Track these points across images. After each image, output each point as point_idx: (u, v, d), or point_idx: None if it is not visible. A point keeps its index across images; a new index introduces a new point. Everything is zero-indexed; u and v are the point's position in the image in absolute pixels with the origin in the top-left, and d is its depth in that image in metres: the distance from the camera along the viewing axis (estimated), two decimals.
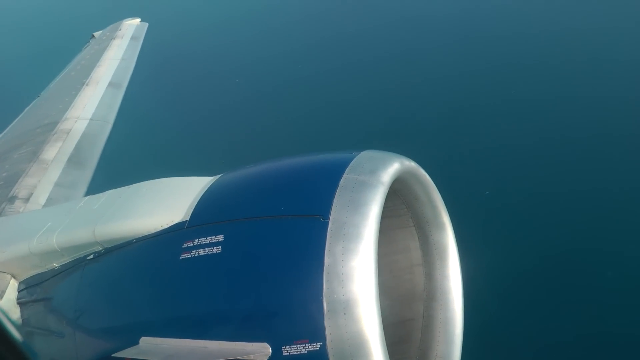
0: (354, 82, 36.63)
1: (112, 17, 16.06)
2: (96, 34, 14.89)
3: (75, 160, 8.94)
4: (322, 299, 3.00)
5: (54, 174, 8.45)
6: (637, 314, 17.88)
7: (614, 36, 36.16)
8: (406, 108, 32.57)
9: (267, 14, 53.16)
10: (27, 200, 7.68)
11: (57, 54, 25.63)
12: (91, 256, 4.22)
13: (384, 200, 3.25)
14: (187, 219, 3.70)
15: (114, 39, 13.63)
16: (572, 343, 17.87)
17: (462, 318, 4.02)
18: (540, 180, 24.90)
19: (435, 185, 3.89)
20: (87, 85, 11.25)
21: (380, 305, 3.04)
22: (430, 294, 4.07)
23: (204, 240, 3.43)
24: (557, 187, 24.32)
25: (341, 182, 3.31)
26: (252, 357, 3.09)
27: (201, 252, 3.40)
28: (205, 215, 3.68)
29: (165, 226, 3.77)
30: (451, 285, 4.05)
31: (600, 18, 38.95)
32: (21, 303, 4.77)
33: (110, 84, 11.48)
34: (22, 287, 4.80)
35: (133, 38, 13.88)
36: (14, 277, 4.84)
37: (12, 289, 4.81)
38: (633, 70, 31.80)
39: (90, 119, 10.14)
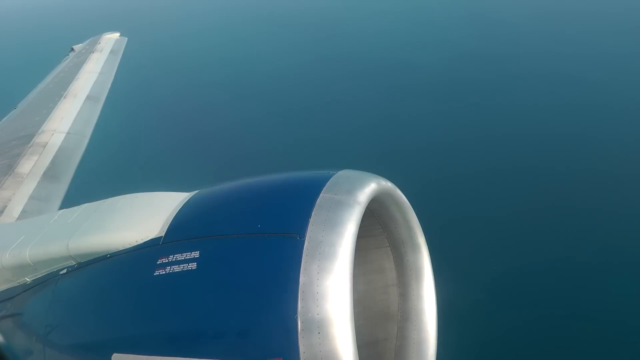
0: (332, 102, 36.79)
1: (92, 31, 16.04)
2: (76, 46, 14.87)
3: (50, 174, 8.87)
4: (297, 317, 2.99)
5: (29, 187, 8.37)
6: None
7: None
8: (385, 128, 32.76)
9: (247, 29, 53.36)
10: (0, 212, 7.60)
11: (35, 65, 25.49)
12: (64, 271, 4.16)
13: (360, 220, 3.25)
14: (163, 234, 3.66)
15: (93, 52, 13.60)
16: None
17: (435, 339, 4.02)
18: (517, 200, 25.11)
19: (412, 206, 3.90)
20: (64, 98, 11.18)
21: (355, 324, 3.04)
22: (404, 314, 4.06)
23: (179, 257, 3.40)
24: (534, 208, 24.55)
25: (318, 201, 3.31)
26: None
27: (176, 268, 3.37)
28: (181, 231, 3.65)
29: (140, 241, 3.73)
30: (425, 306, 4.05)
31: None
32: None
33: (88, 98, 11.42)
34: None
35: (112, 52, 13.87)
36: None
37: None
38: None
39: (67, 133, 10.07)
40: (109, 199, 4.45)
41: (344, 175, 3.54)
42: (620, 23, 42.22)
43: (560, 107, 32.39)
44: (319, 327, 2.97)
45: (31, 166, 8.88)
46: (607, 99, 32.49)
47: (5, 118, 11.70)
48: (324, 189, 3.39)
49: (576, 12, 46.42)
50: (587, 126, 30.29)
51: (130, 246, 3.78)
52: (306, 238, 3.16)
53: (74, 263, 4.12)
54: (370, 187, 3.45)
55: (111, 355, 3.43)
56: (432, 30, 47.40)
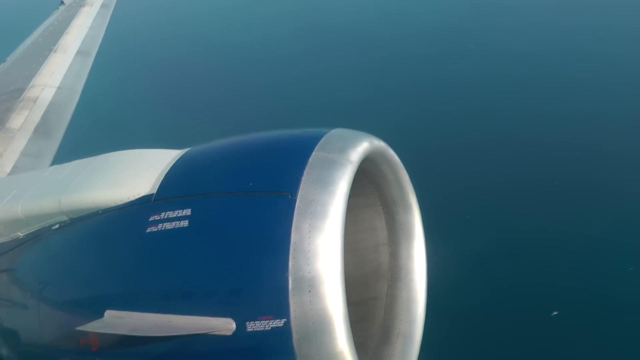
0: (325, 61, 36.52)
1: None
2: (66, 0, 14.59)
3: (41, 129, 8.80)
4: (288, 275, 3.00)
5: (20, 143, 8.32)
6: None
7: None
8: (377, 87, 32.61)
9: None
10: None
11: (25, 18, 25.10)
12: (56, 226, 4.16)
13: (352, 179, 3.25)
14: (155, 191, 3.66)
15: (83, 6, 13.36)
16: (530, 329, 18.22)
17: (425, 298, 4.05)
18: (506, 165, 25.20)
19: (404, 165, 3.89)
20: (54, 52, 11.02)
21: (345, 283, 3.06)
22: (394, 273, 4.09)
23: (170, 214, 3.40)
24: (523, 174, 24.64)
25: (310, 159, 3.30)
26: (216, 332, 3.09)
27: (168, 225, 3.37)
28: (173, 188, 3.64)
29: (132, 198, 3.72)
30: (415, 265, 4.07)
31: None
32: None
33: (79, 52, 11.27)
34: None
35: (103, 6, 13.64)
36: None
37: None
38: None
39: (58, 87, 9.96)
40: (101, 155, 4.43)
41: (336, 133, 3.53)
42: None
43: (540, 80, 32.43)
44: (310, 285, 2.99)
45: (22, 121, 8.80)
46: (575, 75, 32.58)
47: None
48: (317, 147, 3.38)
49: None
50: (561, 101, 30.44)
51: (122, 203, 3.78)
52: (298, 196, 3.17)
53: (66, 218, 4.11)
54: (362, 146, 3.44)
55: (104, 312, 3.45)
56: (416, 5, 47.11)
